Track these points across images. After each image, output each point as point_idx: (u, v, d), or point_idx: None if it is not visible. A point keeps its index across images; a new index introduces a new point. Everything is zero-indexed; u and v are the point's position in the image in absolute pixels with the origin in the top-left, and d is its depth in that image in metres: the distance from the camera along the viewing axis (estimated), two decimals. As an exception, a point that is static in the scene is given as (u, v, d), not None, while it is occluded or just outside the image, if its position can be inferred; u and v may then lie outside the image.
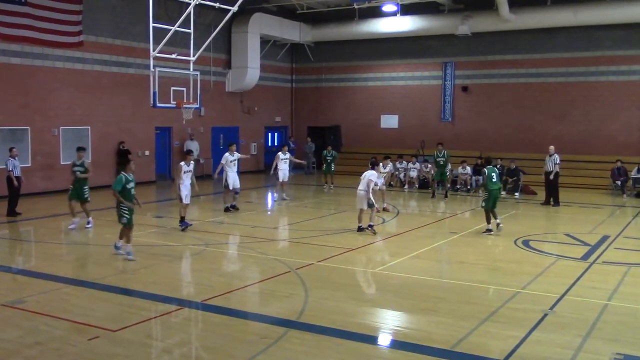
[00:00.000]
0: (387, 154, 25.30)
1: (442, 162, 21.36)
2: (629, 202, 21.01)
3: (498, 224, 14.66)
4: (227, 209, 17.34)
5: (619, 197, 21.80)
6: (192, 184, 14.71)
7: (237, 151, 18.06)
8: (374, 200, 14.48)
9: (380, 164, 18.18)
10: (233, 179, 17.15)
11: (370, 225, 14.28)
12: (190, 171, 14.70)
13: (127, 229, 11.64)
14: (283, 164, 19.60)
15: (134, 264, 11.23)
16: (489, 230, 14.44)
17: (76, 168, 14.67)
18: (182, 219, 14.63)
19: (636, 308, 8.87)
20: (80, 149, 15.20)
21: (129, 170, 11.82)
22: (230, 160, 17.18)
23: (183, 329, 8.22)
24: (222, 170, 17.26)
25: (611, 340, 7.49)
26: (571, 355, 6.99)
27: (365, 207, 14.28)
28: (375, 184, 14.76)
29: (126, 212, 11.56)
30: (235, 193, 17.39)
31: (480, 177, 23.13)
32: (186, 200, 14.60)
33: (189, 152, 15.66)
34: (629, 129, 25.04)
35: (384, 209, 17.59)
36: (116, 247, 11.86)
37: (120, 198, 11.50)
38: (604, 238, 14.15)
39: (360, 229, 14.32)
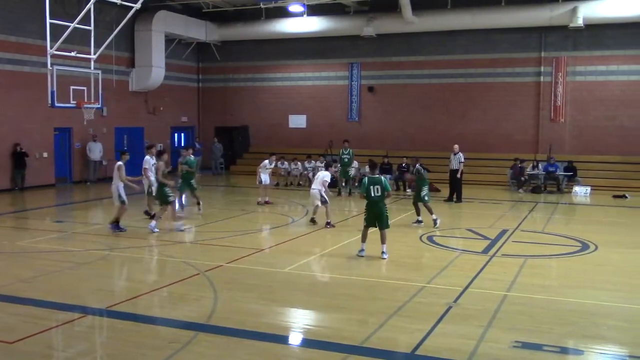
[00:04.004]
0: (295, 154, 25.54)
1: (347, 160, 21.69)
2: (525, 197, 22.13)
3: (420, 220, 15.70)
4: (146, 213, 16.32)
5: (516, 193, 22.92)
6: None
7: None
8: (327, 198, 15.33)
9: (266, 160, 19.03)
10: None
11: (327, 222, 15.17)
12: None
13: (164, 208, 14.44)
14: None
15: (33, 271, 10.70)
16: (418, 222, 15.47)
17: None
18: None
19: (533, 298, 9.33)
20: None
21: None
22: (153, 164, 15.93)
23: (86, 337, 7.90)
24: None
25: (510, 329, 7.85)
26: (474, 345, 7.27)
27: (319, 204, 15.28)
28: (325, 182, 15.59)
29: (170, 192, 14.33)
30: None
31: (388, 176, 23.77)
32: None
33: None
34: (524, 128, 26.38)
35: (266, 202, 18.88)
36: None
37: (165, 180, 14.20)
38: (503, 232, 14.83)
39: (312, 220, 15.55)
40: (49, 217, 17.14)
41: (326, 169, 16.58)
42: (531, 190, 23.24)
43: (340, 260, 11.81)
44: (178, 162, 17.32)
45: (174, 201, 15.09)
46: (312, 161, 25.06)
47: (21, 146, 21.95)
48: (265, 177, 18.94)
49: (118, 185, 14.25)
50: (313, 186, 15.69)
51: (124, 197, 14.32)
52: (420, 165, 16.44)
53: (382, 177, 12.20)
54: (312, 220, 15.60)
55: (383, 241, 11.87)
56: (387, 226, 11.99)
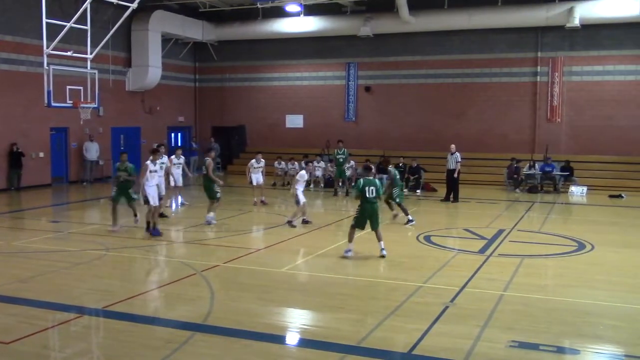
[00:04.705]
0: (292, 154, 25.54)
1: (341, 160, 21.69)
2: (521, 197, 22.16)
3: (396, 215, 15.89)
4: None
5: (512, 193, 22.95)
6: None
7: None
8: (299, 198, 15.19)
9: (253, 160, 18.79)
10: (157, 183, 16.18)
11: (289, 221, 15.24)
12: (156, 171, 13.91)
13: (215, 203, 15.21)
14: (175, 169, 18.05)
15: (29, 271, 10.68)
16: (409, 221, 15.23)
17: None
18: (149, 225, 13.64)
19: (529, 297, 9.34)
20: None
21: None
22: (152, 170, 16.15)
23: (83, 337, 7.88)
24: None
25: (507, 329, 7.85)
26: (470, 345, 7.28)
27: (300, 203, 15.27)
28: (297, 181, 15.56)
29: (217, 189, 15.20)
30: (159, 199, 16.48)
31: (385, 176, 23.79)
32: (153, 201, 13.65)
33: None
34: (520, 128, 26.41)
35: (262, 202, 18.74)
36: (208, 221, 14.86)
37: (214, 178, 15.15)
38: (500, 232, 14.85)
39: (304, 221, 15.53)
40: (45, 217, 17.10)
41: (303, 168, 16.65)
42: (528, 190, 23.27)
43: (337, 260, 11.81)
44: (116, 167, 15.04)
45: (220, 198, 15.63)
46: (302, 161, 25.04)
47: (17, 146, 21.90)
48: (256, 177, 18.70)
49: (144, 185, 13.93)
50: (292, 186, 15.69)
51: (150, 196, 13.82)
52: (394, 166, 16.69)
53: (377, 180, 12.20)
54: (304, 221, 15.51)
55: (380, 239, 11.88)
56: (378, 225, 12.00)
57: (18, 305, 8.90)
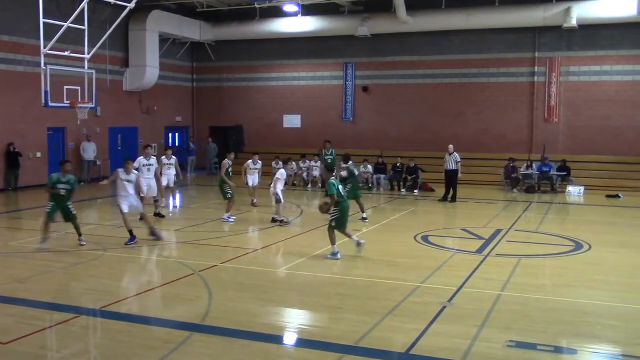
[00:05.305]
0: (290, 154, 25.54)
1: (329, 161, 21.63)
2: (519, 197, 22.19)
3: (364, 218, 15.92)
4: (140, 218, 16.12)
5: (510, 193, 22.98)
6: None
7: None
8: (280, 196, 15.43)
9: (249, 161, 18.57)
10: (147, 185, 15.75)
11: (274, 218, 15.63)
12: (131, 181, 12.98)
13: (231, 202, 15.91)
14: (167, 169, 17.62)
15: (26, 271, 10.66)
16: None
17: None
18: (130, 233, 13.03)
19: (526, 297, 9.35)
20: None
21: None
22: (144, 165, 15.87)
23: (80, 338, 7.87)
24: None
25: (504, 329, 7.86)
26: (468, 345, 7.29)
27: (276, 202, 15.57)
28: (277, 179, 15.71)
29: (228, 189, 15.73)
30: (155, 200, 16.20)
31: (382, 176, 23.83)
32: (125, 208, 12.95)
33: (128, 158, 13.77)
34: (518, 128, 26.45)
35: (252, 204, 18.64)
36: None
37: (226, 179, 15.93)
38: (497, 232, 14.86)
39: (278, 220, 15.69)
40: (42, 217, 17.04)
41: (283, 167, 17.01)
42: (525, 190, 23.31)
43: (335, 260, 11.79)
44: (55, 178, 12.93)
45: (231, 198, 16.06)
46: (307, 161, 25.06)
47: (14, 146, 21.86)
48: (252, 178, 18.39)
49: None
50: (272, 185, 15.76)
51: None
52: (351, 163, 16.83)
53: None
54: (278, 220, 15.58)
55: (350, 235, 12.01)
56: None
57: (15, 305, 8.89)
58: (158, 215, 16.30)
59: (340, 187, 11.93)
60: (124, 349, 7.23)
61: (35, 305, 8.85)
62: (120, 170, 13.08)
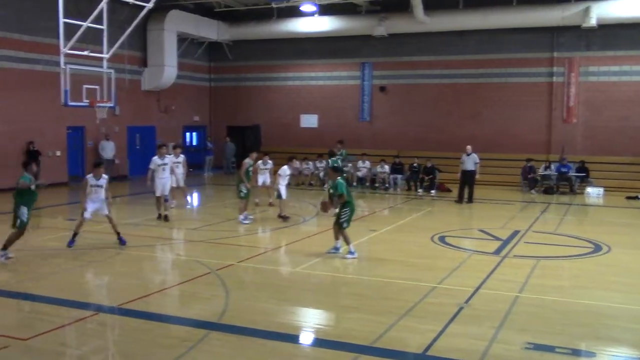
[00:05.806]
0: (307, 153, 25.57)
1: (339, 161, 21.49)
2: (537, 198, 22.03)
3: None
4: (159, 217, 16.02)
5: (528, 194, 22.82)
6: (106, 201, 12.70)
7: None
8: (281, 193, 15.89)
9: (260, 161, 17.89)
10: (162, 184, 15.82)
11: (280, 214, 15.93)
12: (101, 186, 12.55)
13: (245, 201, 15.59)
14: (174, 167, 17.07)
15: (46, 268, 10.77)
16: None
17: None
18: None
19: (544, 299, 9.29)
20: None
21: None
22: (159, 165, 15.89)
23: (99, 335, 7.95)
24: (153, 177, 15.83)
25: (522, 331, 7.81)
26: (485, 346, 7.25)
27: (280, 198, 15.93)
28: (280, 176, 16.06)
29: (243, 188, 15.47)
30: (165, 200, 16.11)
31: (399, 176, 23.76)
32: (87, 214, 12.53)
33: (98, 164, 13.32)
34: (536, 128, 26.24)
35: (256, 204, 18.42)
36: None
37: (243, 177, 15.44)
38: (515, 233, 14.76)
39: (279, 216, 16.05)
40: (61, 215, 17.23)
41: (287, 164, 16.95)
42: (543, 191, 23.12)
43: (351, 260, 11.79)
44: (28, 179, 11.72)
45: (245, 198, 15.78)
46: (323, 160, 25.04)
47: (34, 144, 22.09)
48: (263, 178, 17.82)
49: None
50: (275, 182, 16.17)
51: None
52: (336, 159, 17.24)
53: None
54: (282, 216, 15.95)
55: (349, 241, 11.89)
56: None
57: (35, 302, 9.00)
58: (165, 218, 15.88)
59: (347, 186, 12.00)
60: (141, 346, 7.29)
61: (54, 303, 8.94)
62: (89, 176, 12.75)
